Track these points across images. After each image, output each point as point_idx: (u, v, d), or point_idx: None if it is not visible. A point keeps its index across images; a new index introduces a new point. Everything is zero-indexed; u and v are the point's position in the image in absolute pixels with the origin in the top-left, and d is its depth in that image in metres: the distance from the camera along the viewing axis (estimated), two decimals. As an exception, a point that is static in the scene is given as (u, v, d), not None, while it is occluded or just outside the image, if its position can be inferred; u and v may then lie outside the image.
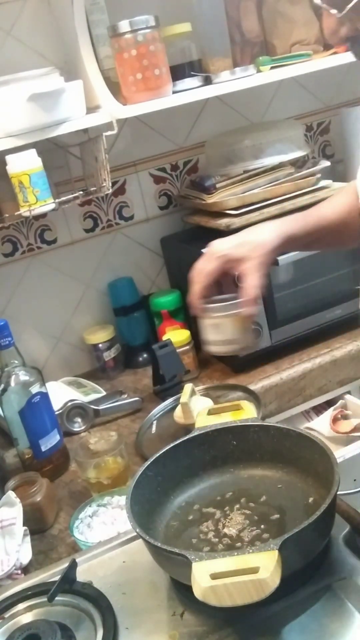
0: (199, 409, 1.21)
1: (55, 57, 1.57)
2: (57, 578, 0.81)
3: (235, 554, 0.69)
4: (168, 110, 1.48)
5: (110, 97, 1.45)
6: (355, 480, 0.95)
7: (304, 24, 1.61)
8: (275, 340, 1.59)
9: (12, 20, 1.54)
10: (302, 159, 1.72)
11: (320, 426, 1.51)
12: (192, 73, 1.54)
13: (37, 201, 1.38)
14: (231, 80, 1.53)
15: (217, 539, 0.81)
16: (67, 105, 1.35)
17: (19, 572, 1.04)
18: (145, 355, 1.77)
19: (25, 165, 1.36)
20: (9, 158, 1.37)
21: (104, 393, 1.63)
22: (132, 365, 1.79)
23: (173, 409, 1.37)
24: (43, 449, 1.33)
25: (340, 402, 1.58)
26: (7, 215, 1.44)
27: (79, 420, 1.53)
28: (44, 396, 1.33)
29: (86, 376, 1.77)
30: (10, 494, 1.13)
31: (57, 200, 1.43)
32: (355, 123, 1.78)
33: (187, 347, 1.61)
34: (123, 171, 1.77)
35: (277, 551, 0.66)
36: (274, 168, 1.64)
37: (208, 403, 1.30)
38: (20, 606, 0.82)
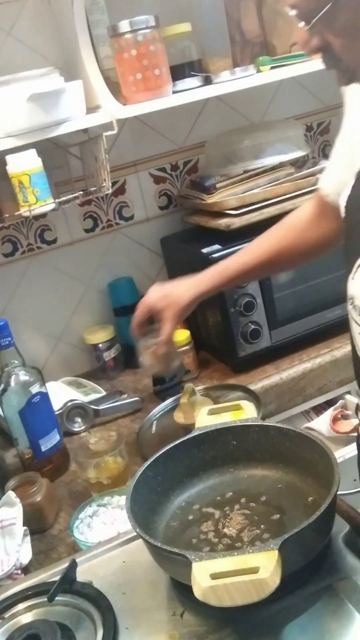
0: (199, 409, 1.21)
1: (55, 57, 1.57)
2: (57, 578, 0.81)
3: (235, 554, 0.69)
4: (168, 110, 1.48)
5: (110, 97, 1.45)
6: (355, 480, 0.95)
7: (304, 24, 1.61)
8: (275, 340, 1.59)
9: (12, 20, 1.54)
10: (302, 159, 1.72)
11: (320, 426, 1.51)
12: (192, 73, 1.54)
13: (37, 201, 1.38)
14: (231, 80, 1.53)
15: (217, 539, 0.81)
16: (67, 105, 1.35)
17: (19, 572, 1.04)
18: (145, 355, 1.77)
19: (25, 165, 1.36)
20: (9, 158, 1.37)
21: (104, 393, 1.63)
22: (132, 365, 1.78)
23: (173, 409, 1.37)
24: (43, 449, 1.33)
25: (340, 402, 1.57)
26: (7, 215, 1.44)
27: (79, 420, 1.53)
28: (44, 396, 1.33)
29: (86, 376, 1.76)
30: (10, 494, 1.13)
31: (57, 200, 1.43)
32: (355, 123, 1.77)
33: (187, 347, 1.61)
34: (123, 171, 1.77)
35: (277, 551, 0.66)
36: (274, 168, 1.64)
37: (208, 403, 1.30)
38: (20, 606, 0.82)
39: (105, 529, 1.04)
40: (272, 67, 1.57)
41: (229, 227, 1.53)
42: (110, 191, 1.54)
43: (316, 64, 1.58)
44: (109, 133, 1.45)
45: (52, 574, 0.89)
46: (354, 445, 1.04)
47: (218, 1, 1.60)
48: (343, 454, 1.01)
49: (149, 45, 1.40)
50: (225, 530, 0.83)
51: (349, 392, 1.62)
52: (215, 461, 0.93)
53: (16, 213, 1.41)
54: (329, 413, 1.53)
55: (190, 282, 1.21)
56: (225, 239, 1.53)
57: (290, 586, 0.73)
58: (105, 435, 1.28)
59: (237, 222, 1.53)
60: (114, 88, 1.47)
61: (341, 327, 1.64)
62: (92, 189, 1.54)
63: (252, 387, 1.45)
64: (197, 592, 0.66)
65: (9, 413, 1.31)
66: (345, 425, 1.49)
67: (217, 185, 1.62)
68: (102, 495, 1.12)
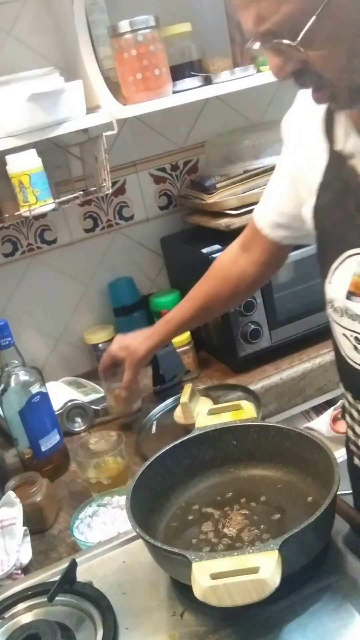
0: (199, 409, 1.21)
1: (55, 57, 1.57)
2: (57, 578, 0.81)
3: (235, 554, 0.69)
4: (168, 110, 1.48)
5: (110, 97, 1.45)
6: (355, 480, 0.95)
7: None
8: (275, 340, 1.59)
9: (12, 20, 1.54)
10: (302, 159, 1.72)
11: (320, 426, 1.51)
12: (192, 73, 1.54)
13: (37, 201, 1.38)
14: (231, 80, 1.53)
15: (217, 539, 0.81)
16: (67, 105, 1.35)
17: (19, 572, 1.04)
18: (145, 355, 1.76)
19: (25, 165, 1.36)
20: (9, 158, 1.37)
21: (104, 393, 1.63)
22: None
23: (173, 409, 1.37)
24: (43, 449, 1.33)
25: (340, 402, 1.57)
26: (7, 215, 1.44)
27: (79, 420, 1.53)
28: (44, 396, 1.33)
29: (86, 376, 1.76)
30: (10, 494, 1.13)
31: (57, 200, 1.43)
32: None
33: (187, 347, 1.61)
34: (123, 171, 1.77)
35: (277, 551, 0.66)
36: (274, 168, 1.63)
37: (208, 403, 1.30)
38: (20, 606, 0.82)
39: (105, 529, 1.04)
40: (272, 67, 1.57)
41: (229, 227, 1.53)
42: (110, 191, 1.54)
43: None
44: (109, 133, 1.45)
45: (52, 574, 0.89)
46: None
47: (218, 1, 1.60)
48: (343, 454, 1.01)
49: (149, 45, 1.40)
50: (225, 530, 0.82)
51: (349, 392, 1.62)
52: (215, 461, 0.93)
53: (16, 213, 1.41)
54: (329, 413, 1.53)
55: (143, 336, 1.33)
56: (225, 239, 1.53)
57: (290, 586, 0.73)
58: (105, 435, 1.28)
59: (237, 222, 1.53)
60: (114, 88, 1.47)
61: (341, 327, 1.64)
62: (92, 189, 1.54)
63: (252, 387, 1.45)
64: (197, 592, 0.66)
65: (9, 413, 1.31)
66: (345, 426, 1.49)
67: (217, 185, 1.62)
68: (102, 495, 1.12)
